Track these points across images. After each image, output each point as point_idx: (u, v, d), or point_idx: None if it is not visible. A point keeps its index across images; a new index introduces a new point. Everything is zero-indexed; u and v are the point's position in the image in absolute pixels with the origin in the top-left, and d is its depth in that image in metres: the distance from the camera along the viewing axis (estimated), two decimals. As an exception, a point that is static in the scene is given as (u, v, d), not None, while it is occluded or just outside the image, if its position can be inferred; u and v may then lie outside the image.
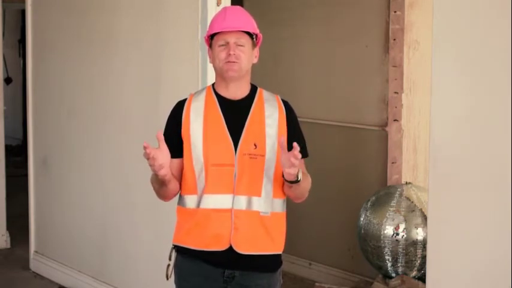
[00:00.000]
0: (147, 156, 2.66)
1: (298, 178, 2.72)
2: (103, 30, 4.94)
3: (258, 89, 2.91)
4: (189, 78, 4.19)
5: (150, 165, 2.69)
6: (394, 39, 4.94)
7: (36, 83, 5.65)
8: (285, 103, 2.91)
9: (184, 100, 2.90)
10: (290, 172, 2.67)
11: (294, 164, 2.63)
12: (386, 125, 5.03)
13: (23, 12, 7.26)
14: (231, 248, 2.77)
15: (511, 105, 2.68)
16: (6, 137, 6.40)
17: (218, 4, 4.03)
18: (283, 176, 2.74)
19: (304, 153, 2.89)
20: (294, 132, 2.87)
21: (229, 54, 2.78)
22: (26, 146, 6.20)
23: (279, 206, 2.85)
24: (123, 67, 4.79)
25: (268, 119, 2.83)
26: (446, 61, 2.88)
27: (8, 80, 9.54)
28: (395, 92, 4.96)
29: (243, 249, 2.77)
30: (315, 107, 5.48)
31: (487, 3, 2.77)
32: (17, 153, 10.01)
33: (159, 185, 2.81)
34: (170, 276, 2.89)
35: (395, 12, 4.93)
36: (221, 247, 2.77)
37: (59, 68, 5.41)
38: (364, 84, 5.20)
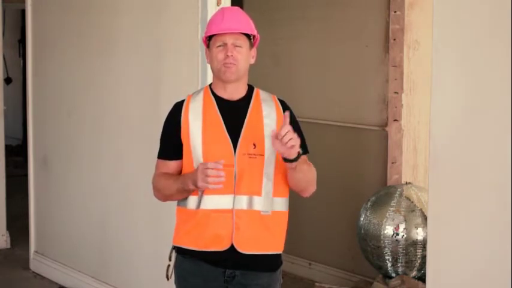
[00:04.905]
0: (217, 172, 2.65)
1: (300, 153, 2.70)
2: (103, 30, 4.94)
3: (255, 89, 2.92)
4: (189, 78, 4.19)
5: (209, 179, 2.65)
6: (394, 39, 4.94)
7: (36, 83, 5.65)
8: (282, 102, 2.92)
9: (182, 102, 2.90)
10: (290, 151, 2.66)
11: (287, 136, 2.63)
12: (386, 125, 5.03)
13: (23, 12, 7.25)
14: (231, 247, 2.77)
15: (511, 105, 2.68)
16: (6, 137, 6.40)
17: (218, 4, 4.03)
18: (284, 160, 2.71)
19: (304, 149, 2.90)
20: (293, 129, 2.87)
21: (227, 56, 2.78)
22: (26, 146, 6.19)
23: (279, 204, 2.85)
24: (123, 67, 4.79)
25: (266, 118, 2.84)
26: (446, 61, 2.88)
27: (8, 80, 9.53)
28: (395, 92, 4.96)
29: (245, 248, 2.78)
30: (315, 107, 5.47)
31: (487, 4, 2.77)
32: (17, 153, 10.01)
33: (180, 193, 2.80)
34: (170, 277, 2.90)
35: (395, 12, 4.93)
36: (222, 247, 2.77)
37: (58, 68, 5.41)
38: (364, 84, 5.20)
